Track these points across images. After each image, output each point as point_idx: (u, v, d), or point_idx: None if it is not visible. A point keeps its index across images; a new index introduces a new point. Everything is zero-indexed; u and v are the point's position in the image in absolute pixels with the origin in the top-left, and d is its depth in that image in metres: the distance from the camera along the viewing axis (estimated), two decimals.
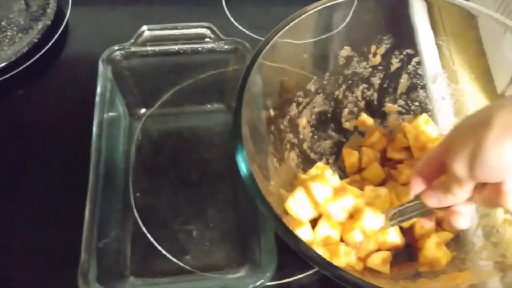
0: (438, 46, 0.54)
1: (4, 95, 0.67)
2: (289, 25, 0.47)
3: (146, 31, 0.61)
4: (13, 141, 0.63)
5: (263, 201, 0.41)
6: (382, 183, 0.56)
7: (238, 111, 0.43)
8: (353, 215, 0.50)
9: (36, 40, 0.68)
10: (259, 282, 0.46)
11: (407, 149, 0.57)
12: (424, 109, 0.58)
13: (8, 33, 0.70)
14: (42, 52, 0.69)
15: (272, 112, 0.50)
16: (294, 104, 0.54)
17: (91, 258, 0.47)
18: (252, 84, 0.46)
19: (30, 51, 0.67)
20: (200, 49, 0.61)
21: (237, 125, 0.43)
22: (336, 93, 0.57)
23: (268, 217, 0.41)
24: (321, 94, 0.56)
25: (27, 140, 0.63)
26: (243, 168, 0.42)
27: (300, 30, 0.49)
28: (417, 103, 0.58)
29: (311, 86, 0.54)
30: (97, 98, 0.56)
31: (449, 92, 0.57)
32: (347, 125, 0.59)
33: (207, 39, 0.61)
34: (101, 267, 0.48)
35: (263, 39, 0.47)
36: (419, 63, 0.56)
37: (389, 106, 0.58)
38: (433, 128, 0.56)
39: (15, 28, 0.71)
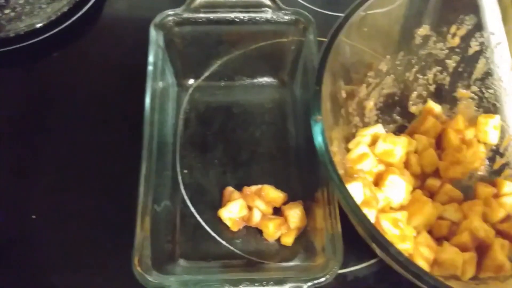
0: None
1: (41, 56, 0.63)
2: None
3: None
4: (49, 107, 0.59)
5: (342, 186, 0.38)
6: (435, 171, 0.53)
7: (319, 89, 0.40)
8: None
9: None
10: (323, 277, 0.43)
11: None
12: (497, 97, 0.54)
13: None
14: (81, 12, 0.64)
15: (344, 94, 0.46)
16: (364, 85, 0.50)
17: (145, 240, 0.44)
18: (330, 62, 0.42)
19: (70, 10, 0.63)
20: (258, 18, 0.56)
21: (317, 99, 0.40)
22: (407, 74, 0.53)
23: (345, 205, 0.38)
24: (391, 75, 0.52)
25: (65, 106, 0.60)
26: (319, 139, 0.39)
27: (381, 6, 0.45)
28: (491, 90, 0.54)
29: (383, 67, 0.50)
30: (150, 68, 0.52)
31: None
32: (413, 109, 0.55)
33: (265, 8, 0.56)
34: (152, 249, 0.45)
35: (318, 9, 0.42)
36: (500, 48, 0.51)
37: (462, 92, 0.54)
38: (496, 135, 0.53)
39: None
